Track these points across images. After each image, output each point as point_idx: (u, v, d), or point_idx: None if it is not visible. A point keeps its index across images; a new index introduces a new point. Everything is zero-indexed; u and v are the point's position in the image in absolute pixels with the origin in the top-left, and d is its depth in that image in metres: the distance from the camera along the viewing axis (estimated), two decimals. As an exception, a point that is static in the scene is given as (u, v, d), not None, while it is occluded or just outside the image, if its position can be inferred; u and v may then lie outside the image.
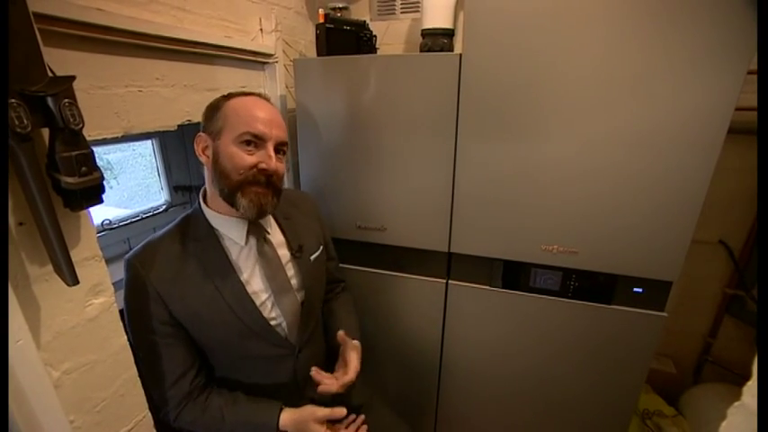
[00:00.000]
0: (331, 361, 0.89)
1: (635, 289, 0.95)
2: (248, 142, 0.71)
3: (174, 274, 0.73)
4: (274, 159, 0.72)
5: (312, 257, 0.89)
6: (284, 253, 0.84)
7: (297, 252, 0.85)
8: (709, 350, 1.56)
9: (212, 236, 0.76)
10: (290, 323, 0.81)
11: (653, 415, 1.43)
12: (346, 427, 0.84)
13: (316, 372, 0.79)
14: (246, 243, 0.78)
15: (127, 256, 0.73)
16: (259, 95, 0.77)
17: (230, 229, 0.77)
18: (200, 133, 0.75)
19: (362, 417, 0.89)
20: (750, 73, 0.73)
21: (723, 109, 0.77)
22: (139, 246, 0.74)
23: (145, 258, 0.72)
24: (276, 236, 0.85)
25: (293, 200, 0.94)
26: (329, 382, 0.78)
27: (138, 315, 0.71)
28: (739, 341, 1.50)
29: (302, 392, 0.86)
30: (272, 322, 0.79)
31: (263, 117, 0.72)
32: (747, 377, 0.35)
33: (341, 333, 0.86)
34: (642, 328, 0.96)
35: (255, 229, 0.79)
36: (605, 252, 0.94)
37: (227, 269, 0.75)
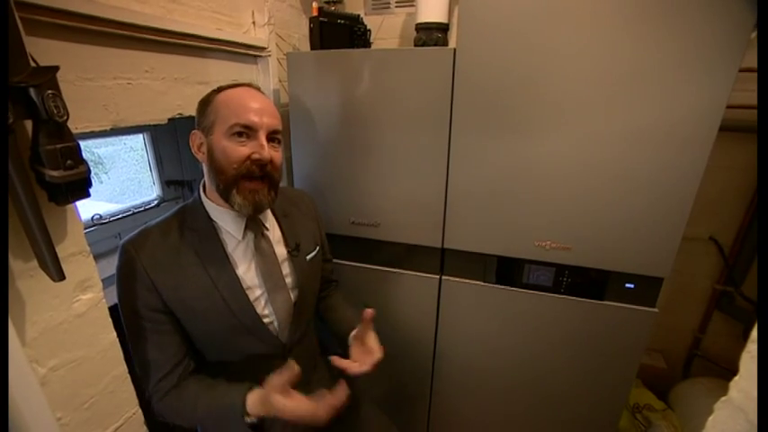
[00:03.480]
0: (325, 354, 0.88)
1: (626, 285, 0.96)
2: (240, 134, 0.70)
3: (169, 261, 0.72)
4: (267, 148, 0.71)
5: (308, 257, 0.89)
6: (281, 251, 0.83)
7: (294, 250, 0.85)
8: (698, 345, 1.59)
9: (210, 227, 0.76)
10: (281, 321, 0.81)
11: (643, 409, 1.45)
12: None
13: (336, 359, 0.78)
14: (244, 238, 0.77)
15: (121, 241, 0.72)
16: (249, 85, 0.76)
17: (228, 222, 0.76)
18: (194, 130, 0.74)
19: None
20: (742, 71, 0.74)
21: (715, 107, 0.77)
22: (135, 232, 0.73)
23: (140, 244, 0.71)
24: (274, 233, 0.84)
25: (292, 198, 0.94)
26: (354, 365, 0.77)
27: (129, 301, 0.70)
28: (728, 336, 1.53)
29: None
30: (265, 320, 0.78)
31: (253, 106, 0.71)
32: (735, 372, 0.35)
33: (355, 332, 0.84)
34: (633, 323, 0.97)
35: (253, 225, 0.79)
36: (598, 248, 0.94)
37: (223, 261, 0.75)
